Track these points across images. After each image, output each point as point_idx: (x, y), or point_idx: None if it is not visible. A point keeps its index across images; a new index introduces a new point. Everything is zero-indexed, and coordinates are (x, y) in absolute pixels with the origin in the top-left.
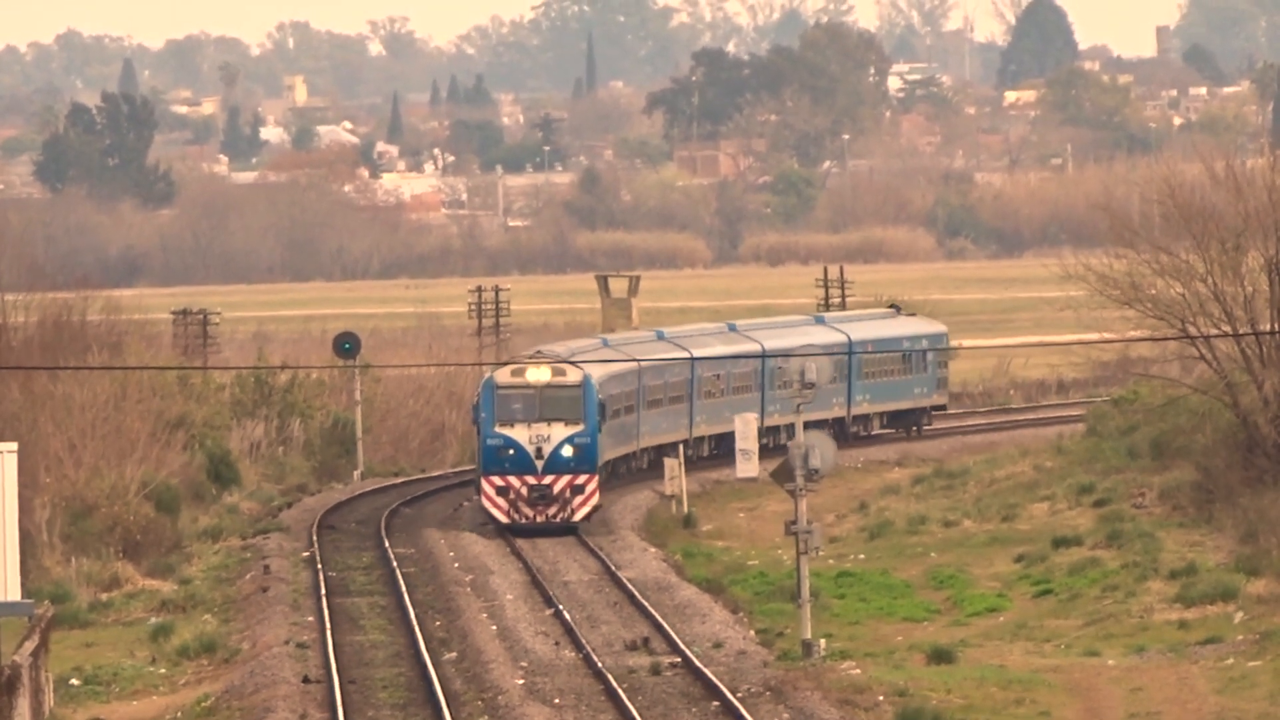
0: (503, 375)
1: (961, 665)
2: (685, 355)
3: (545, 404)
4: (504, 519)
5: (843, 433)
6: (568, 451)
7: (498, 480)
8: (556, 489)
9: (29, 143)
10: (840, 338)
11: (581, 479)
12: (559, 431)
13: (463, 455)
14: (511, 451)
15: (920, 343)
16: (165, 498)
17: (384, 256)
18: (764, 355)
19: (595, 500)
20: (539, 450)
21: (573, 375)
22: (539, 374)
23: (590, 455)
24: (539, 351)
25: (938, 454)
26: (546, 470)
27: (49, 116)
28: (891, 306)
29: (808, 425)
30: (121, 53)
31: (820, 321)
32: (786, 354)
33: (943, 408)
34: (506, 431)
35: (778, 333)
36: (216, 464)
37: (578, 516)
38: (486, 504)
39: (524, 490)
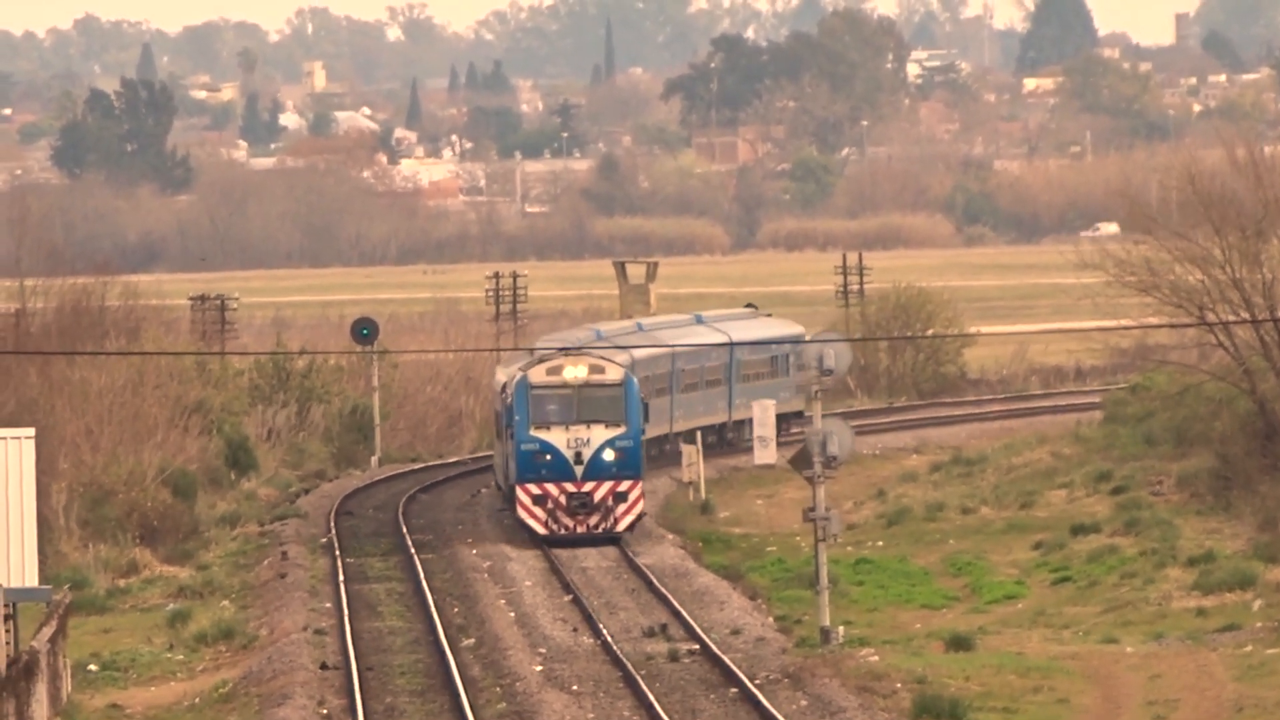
0: (537, 374)
1: (980, 652)
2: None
3: (584, 404)
4: (541, 530)
5: (722, 440)
6: (609, 455)
7: (534, 488)
8: (598, 496)
9: (48, 128)
10: (723, 337)
11: (625, 485)
12: (599, 434)
13: (480, 441)
14: (548, 457)
15: (784, 345)
16: (183, 484)
17: (402, 242)
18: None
19: (640, 508)
20: (578, 455)
21: (613, 373)
22: (577, 371)
23: (634, 459)
24: (583, 349)
25: (956, 441)
26: (586, 476)
27: (67, 102)
28: (748, 306)
29: (686, 434)
30: (140, 38)
31: (700, 321)
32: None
33: (800, 414)
34: (542, 435)
35: (674, 331)
36: (234, 450)
37: (621, 526)
38: (522, 514)
39: (562, 499)
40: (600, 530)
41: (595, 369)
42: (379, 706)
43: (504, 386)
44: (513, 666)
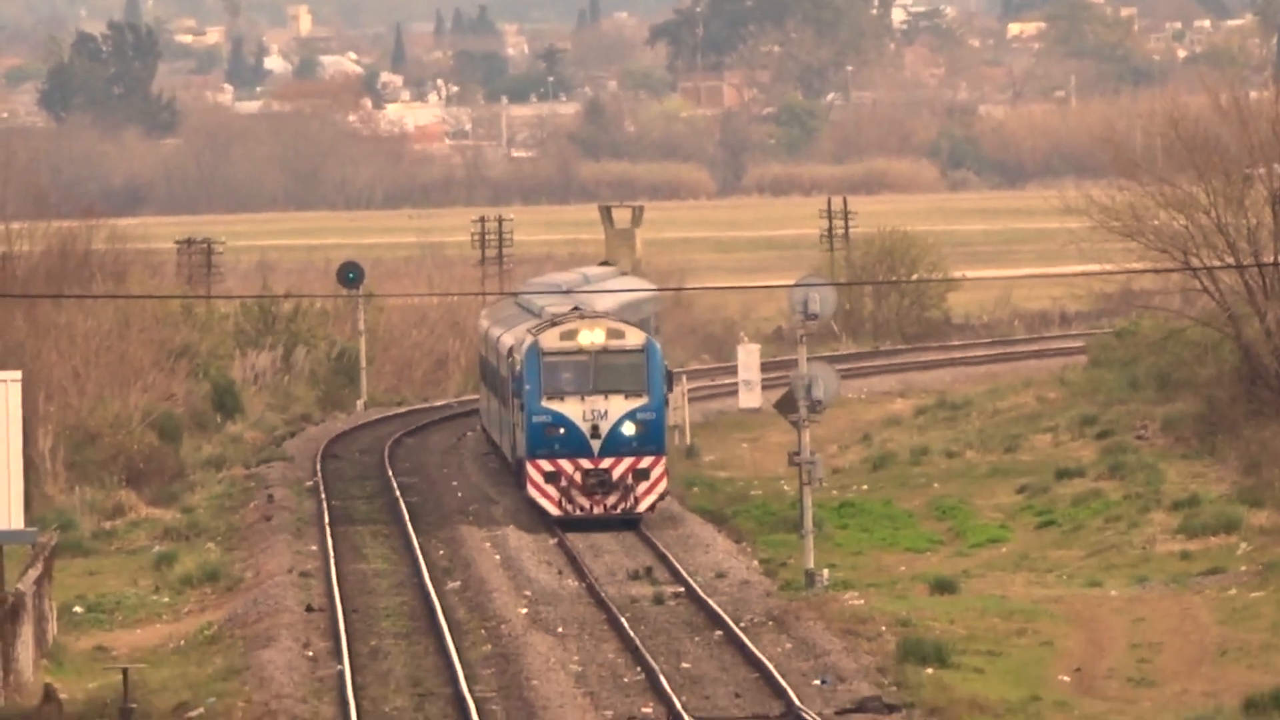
0: (549, 338)
1: (964, 596)
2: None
3: (601, 372)
4: (555, 510)
5: None
6: (629, 429)
7: (546, 465)
8: (616, 474)
9: (34, 71)
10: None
11: (646, 462)
12: (618, 405)
13: (465, 385)
14: (562, 430)
15: (647, 303)
16: (169, 426)
17: (388, 187)
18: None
19: (663, 487)
20: (595, 428)
21: (633, 338)
22: (593, 336)
23: (656, 433)
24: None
25: (941, 385)
26: (604, 452)
27: (53, 45)
28: (604, 264)
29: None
30: None
31: (587, 280)
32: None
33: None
34: (556, 406)
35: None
36: (220, 393)
37: (642, 506)
38: (533, 493)
39: (578, 476)
40: (619, 511)
41: (614, 333)
42: (364, 648)
43: (511, 350)
44: (498, 609)
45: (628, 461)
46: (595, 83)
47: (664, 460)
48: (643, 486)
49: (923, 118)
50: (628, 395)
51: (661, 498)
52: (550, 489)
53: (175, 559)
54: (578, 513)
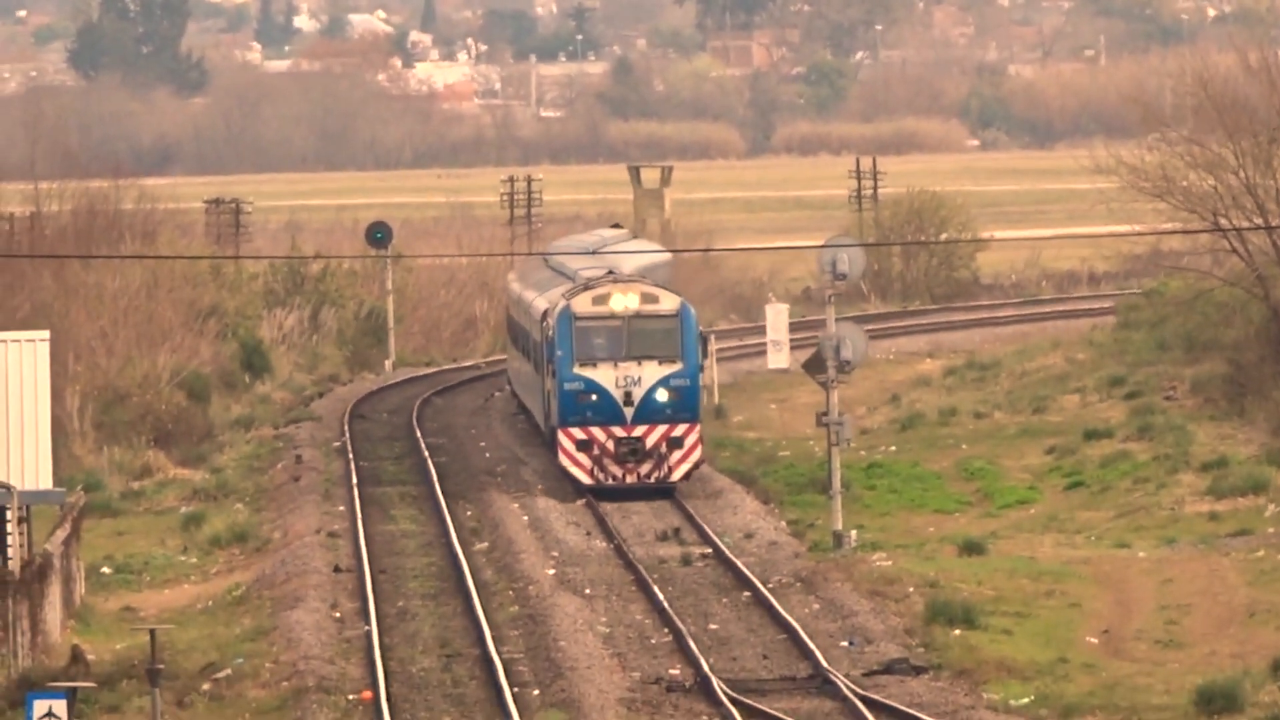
0: (581, 303)
1: (992, 557)
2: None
3: (634, 338)
4: (587, 479)
5: None
6: (663, 396)
7: (578, 433)
8: (650, 442)
9: (63, 30)
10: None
11: (680, 430)
12: (651, 372)
13: (494, 346)
14: (594, 397)
15: (665, 267)
16: (197, 387)
17: (416, 146)
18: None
19: (697, 455)
20: (628, 395)
21: (667, 302)
22: (626, 300)
23: (690, 400)
24: (632, 279)
25: (969, 346)
26: (637, 419)
27: (82, 4)
28: (614, 226)
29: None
30: None
31: (604, 243)
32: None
33: None
34: (587, 373)
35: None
36: (249, 353)
37: (676, 475)
38: (565, 461)
39: (610, 445)
40: (653, 480)
41: (648, 298)
42: (391, 609)
43: (544, 314)
44: (525, 570)
45: (661, 429)
46: (624, 42)
47: (698, 428)
48: (677, 455)
49: (952, 77)
50: (661, 361)
51: (696, 466)
52: (582, 457)
53: (203, 519)
54: (610, 482)
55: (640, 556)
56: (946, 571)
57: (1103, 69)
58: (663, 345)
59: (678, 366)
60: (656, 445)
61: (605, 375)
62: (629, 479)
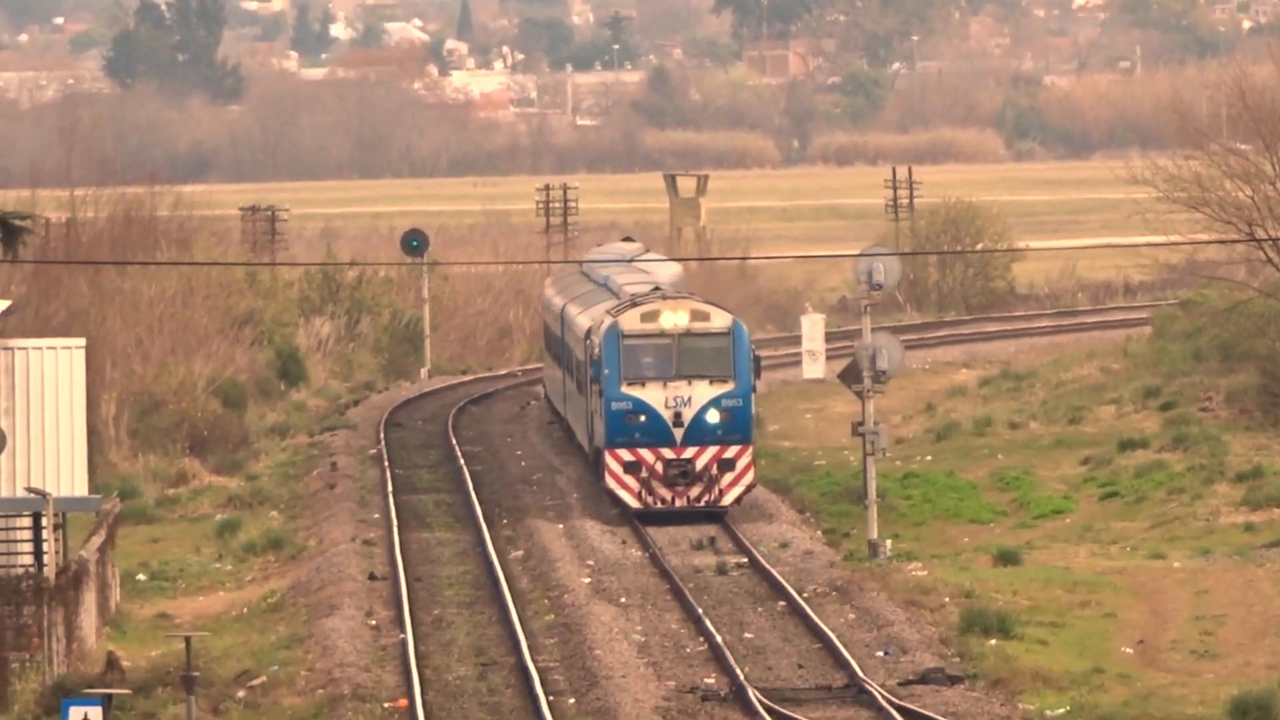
0: (629, 320)
1: (1027, 567)
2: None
3: (685, 356)
4: (634, 503)
5: None
6: (714, 417)
7: (625, 454)
8: (700, 464)
9: (99, 38)
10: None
11: (732, 451)
12: (702, 391)
13: (530, 354)
14: (643, 418)
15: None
16: (233, 394)
17: (452, 154)
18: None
19: (750, 478)
20: (678, 416)
21: (719, 319)
22: (676, 318)
23: (743, 421)
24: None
25: (1005, 356)
26: (687, 441)
27: (119, 11)
28: (626, 239)
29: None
30: None
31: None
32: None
33: None
34: (636, 392)
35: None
36: (284, 361)
37: (727, 499)
38: (612, 483)
39: (659, 466)
40: (702, 504)
41: (698, 315)
42: (427, 617)
43: (589, 331)
44: (561, 579)
45: (712, 451)
46: (660, 51)
47: (751, 450)
48: (728, 478)
49: (988, 87)
50: (712, 381)
51: (749, 489)
52: (630, 480)
53: (238, 527)
54: (659, 505)
55: (675, 565)
56: (982, 581)
57: (1138, 80)
58: (714, 364)
59: (730, 386)
60: (707, 467)
61: (654, 395)
62: (678, 502)
